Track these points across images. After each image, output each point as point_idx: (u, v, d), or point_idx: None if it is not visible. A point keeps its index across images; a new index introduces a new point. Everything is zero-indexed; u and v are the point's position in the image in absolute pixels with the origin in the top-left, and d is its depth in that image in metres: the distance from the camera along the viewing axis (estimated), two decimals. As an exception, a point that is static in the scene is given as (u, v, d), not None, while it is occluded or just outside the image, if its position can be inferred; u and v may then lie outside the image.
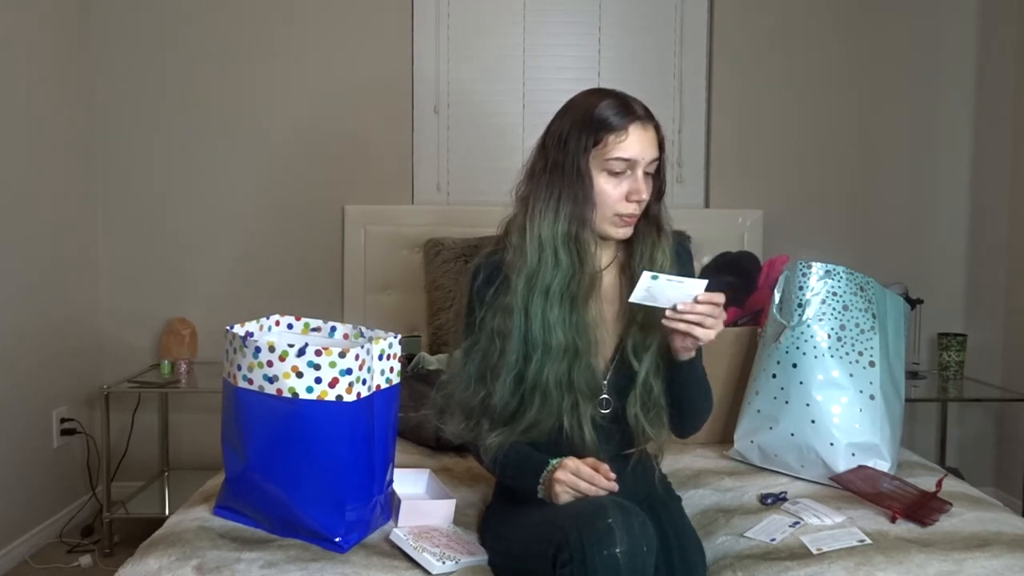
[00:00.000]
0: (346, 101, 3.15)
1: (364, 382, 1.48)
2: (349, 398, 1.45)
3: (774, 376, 1.99)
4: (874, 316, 1.96)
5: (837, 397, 1.91)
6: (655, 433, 1.58)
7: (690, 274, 1.67)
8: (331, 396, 1.44)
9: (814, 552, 1.53)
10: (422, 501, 1.68)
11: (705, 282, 1.42)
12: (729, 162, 3.23)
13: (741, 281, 2.45)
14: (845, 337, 1.94)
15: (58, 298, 2.94)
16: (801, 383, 1.94)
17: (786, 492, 1.83)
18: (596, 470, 1.44)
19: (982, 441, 3.28)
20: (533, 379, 1.53)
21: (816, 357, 1.93)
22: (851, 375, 1.92)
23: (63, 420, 2.94)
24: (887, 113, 3.22)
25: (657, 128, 1.52)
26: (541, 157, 1.55)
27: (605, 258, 1.61)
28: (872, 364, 1.93)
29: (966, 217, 3.26)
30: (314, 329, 1.69)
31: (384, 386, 1.54)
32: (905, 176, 3.24)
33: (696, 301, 1.42)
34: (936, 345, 3.12)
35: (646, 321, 1.54)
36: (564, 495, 1.44)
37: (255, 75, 3.14)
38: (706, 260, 2.72)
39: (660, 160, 1.53)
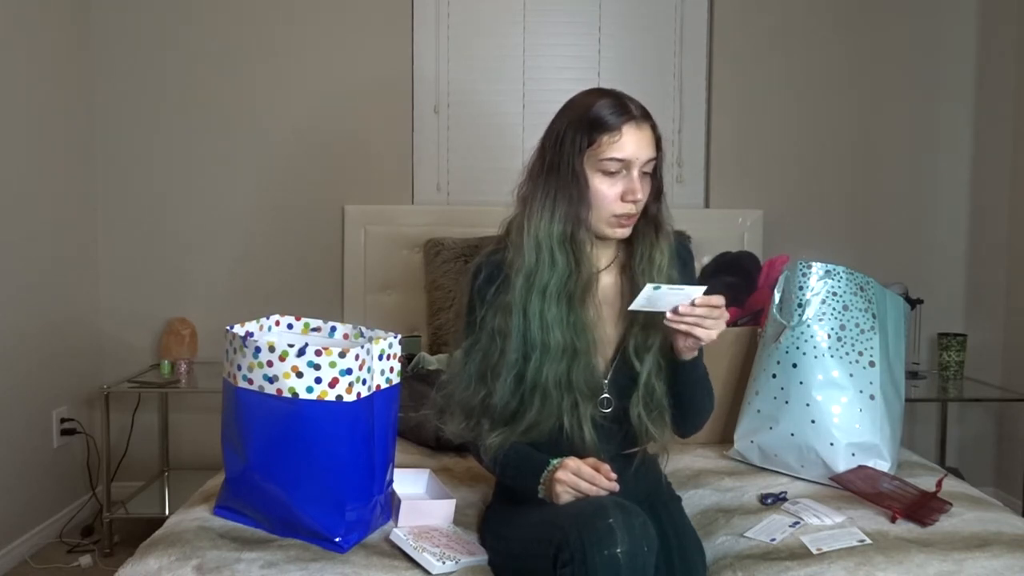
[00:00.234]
0: (346, 101, 3.15)
1: (364, 382, 1.48)
2: (349, 398, 1.45)
3: (774, 376, 1.99)
4: (874, 316, 1.96)
5: (837, 397, 1.91)
6: (658, 433, 1.58)
7: (691, 274, 1.68)
8: (331, 396, 1.44)
9: (814, 552, 1.53)
10: (422, 501, 1.68)
11: (703, 288, 1.43)
12: (729, 162, 3.23)
13: (741, 281, 2.45)
14: (845, 337, 1.94)
15: (58, 298, 2.94)
16: (801, 383, 1.94)
17: (786, 492, 1.83)
18: (597, 470, 1.44)
19: (982, 441, 3.28)
20: (532, 379, 1.53)
21: (816, 357, 1.93)
22: (851, 375, 1.92)
23: (63, 420, 2.94)
24: (887, 113, 3.22)
25: (654, 128, 1.52)
26: (540, 157, 1.55)
27: (604, 258, 1.61)
28: (872, 364, 1.93)
29: (966, 217, 3.26)
30: (314, 329, 1.69)
31: (384, 386, 1.54)
32: (905, 176, 3.24)
33: (693, 304, 1.42)
34: (936, 345, 3.12)
35: (647, 321, 1.54)
36: (565, 495, 1.44)
37: (255, 75, 3.14)
38: (706, 260, 2.72)
39: (657, 160, 1.53)
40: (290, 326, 1.70)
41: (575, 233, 1.51)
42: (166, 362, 3.00)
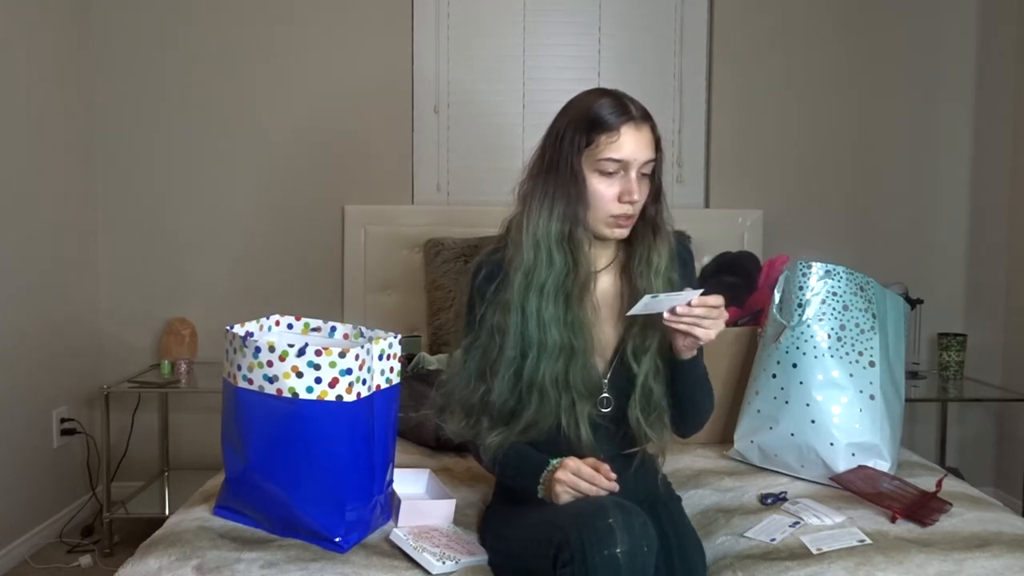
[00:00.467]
0: (346, 101, 3.15)
1: (364, 382, 1.48)
2: (349, 398, 1.45)
3: (774, 376, 1.99)
4: (874, 316, 1.96)
5: (837, 397, 1.91)
6: (656, 435, 1.59)
7: (692, 274, 1.68)
8: (331, 396, 1.44)
9: (814, 552, 1.53)
10: (422, 501, 1.68)
11: (700, 291, 1.43)
12: (729, 162, 3.23)
13: (741, 281, 2.45)
14: (845, 337, 1.94)
15: (58, 298, 2.94)
16: (801, 383, 1.94)
17: (786, 492, 1.83)
18: (597, 470, 1.44)
19: (982, 441, 3.28)
20: (530, 376, 1.53)
21: (816, 357, 1.93)
22: (851, 375, 1.92)
23: (63, 420, 2.94)
24: (887, 113, 3.21)
25: (653, 129, 1.51)
26: (540, 155, 1.55)
27: (603, 259, 1.61)
28: (872, 364, 1.93)
29: (966, 217, 3.26)
30: (314, 329, 1.69)
31: (384, 386, 1.54)
32: (905, 176, 3.24)
33: (690, 305, 1.42)
34: (936, 345, 3.12)
35: (646, 323, 1.54)
36: (564, 495, 1.44)
37: (255, 75, 3.14)
38: (706, 260, 2.72)
39: (656, 162, 1.52)
40: (290, 326, 1.70)
41: (573, 232, 1.51)
42: (166, 362, 3.00)
